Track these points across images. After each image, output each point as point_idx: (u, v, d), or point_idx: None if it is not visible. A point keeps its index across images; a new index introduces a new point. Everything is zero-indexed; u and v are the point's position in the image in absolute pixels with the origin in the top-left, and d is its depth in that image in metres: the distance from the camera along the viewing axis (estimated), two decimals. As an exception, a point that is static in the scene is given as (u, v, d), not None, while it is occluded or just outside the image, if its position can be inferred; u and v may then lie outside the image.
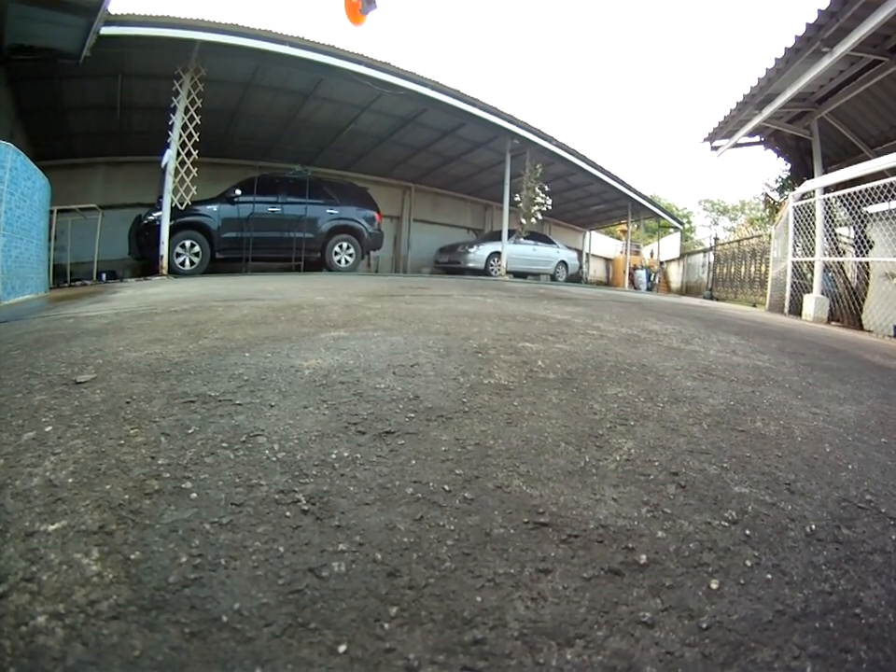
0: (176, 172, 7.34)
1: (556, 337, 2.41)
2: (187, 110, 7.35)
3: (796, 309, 6.37)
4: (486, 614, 0.70)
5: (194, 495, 0.93)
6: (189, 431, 1.18)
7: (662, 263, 18.79)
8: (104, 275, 8.54)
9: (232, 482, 0.97)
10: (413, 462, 1.09)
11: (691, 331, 3.03)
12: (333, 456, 1.09)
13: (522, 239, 12.19)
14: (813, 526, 0.97)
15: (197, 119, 7.39)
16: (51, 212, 6.67)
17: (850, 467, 1.26)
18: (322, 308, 2.92)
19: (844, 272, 6.20)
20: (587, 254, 19.03)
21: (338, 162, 12.44)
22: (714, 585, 0.79)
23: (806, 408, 1.72)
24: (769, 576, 0.82)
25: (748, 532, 0.93)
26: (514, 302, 3.88)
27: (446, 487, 1.00)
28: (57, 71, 7.05)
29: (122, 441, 1.13)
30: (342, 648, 0.63)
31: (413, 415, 1.32)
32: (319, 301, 3.24)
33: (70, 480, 0.98)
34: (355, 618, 0.68)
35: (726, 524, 0.95)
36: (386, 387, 1.51)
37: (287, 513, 0.89)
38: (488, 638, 0.66)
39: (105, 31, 6.03)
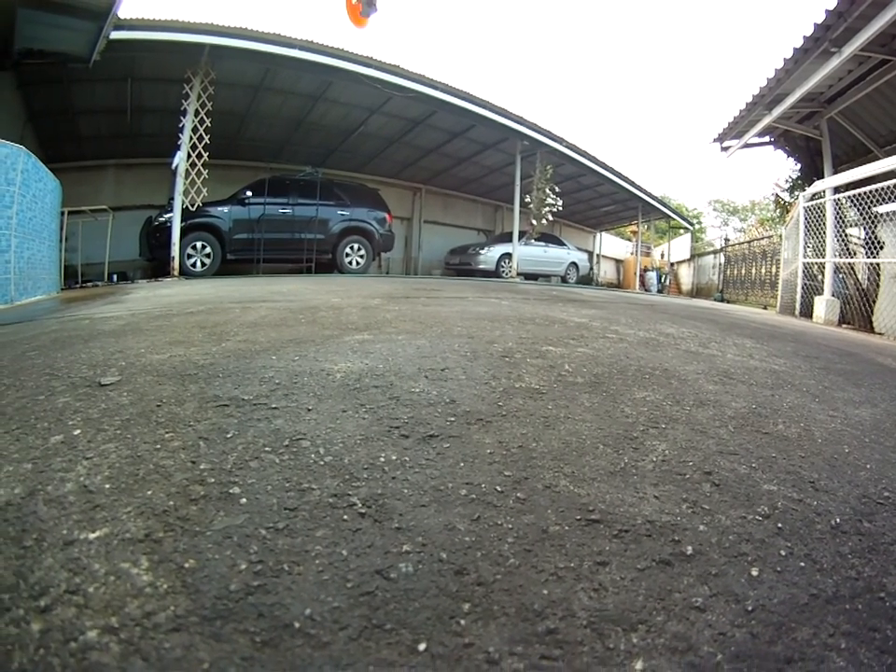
0: (187, 174, 7.40)
1: (577, 340, 2.43)
2: (197, 113, 7.41)
3: (807, 311, 6.34)
4: (555, 605, 0.73)
5: (244, 500, 0.92)
6: (228, 435, 1.17)
7: (672, 265, 18.67)
8: (115, 277, 8.61)
9: (282, 486, 0.97)
10: (462, 465, 1.11)
11: (706, 335, 3.05)
12: (382, 460, 1.10)
13: (532, 240, 12.17)
14: (837, 520, 1.03)
15: (207, 122, 7.44)
16: (62, 213, 6.73)
17: (868, 466, 1.32)
18: (340, 310, 2.95)
19: (854, 273, 6.17)
20: (598, 255, 18.92)
21: (348, 164, 12.47)
22: (755, 573, 0.84)
23: (824, 411, 1.75)
24: (802, 564, 0.87)
25: (779, 525, 0.98)
26: (530, 305, 3.90)
27: (498, 488, 1.02)
28: (67, 75, 7.12)
29: (158, 446, 1.11)
30: (421, 646, 0.64)
31: (452, 419, 1.34)
32: (336, 303, 3.25)
33: (107, 485, 0.94)
34: (430, 616, 0.69)
35: (760, 518, 1.00)
36: (421, 391, 1.53)
37: (345, 517, 0.89)
38: (560, 628, 0.69)
39: (114, 35, 6.09)
